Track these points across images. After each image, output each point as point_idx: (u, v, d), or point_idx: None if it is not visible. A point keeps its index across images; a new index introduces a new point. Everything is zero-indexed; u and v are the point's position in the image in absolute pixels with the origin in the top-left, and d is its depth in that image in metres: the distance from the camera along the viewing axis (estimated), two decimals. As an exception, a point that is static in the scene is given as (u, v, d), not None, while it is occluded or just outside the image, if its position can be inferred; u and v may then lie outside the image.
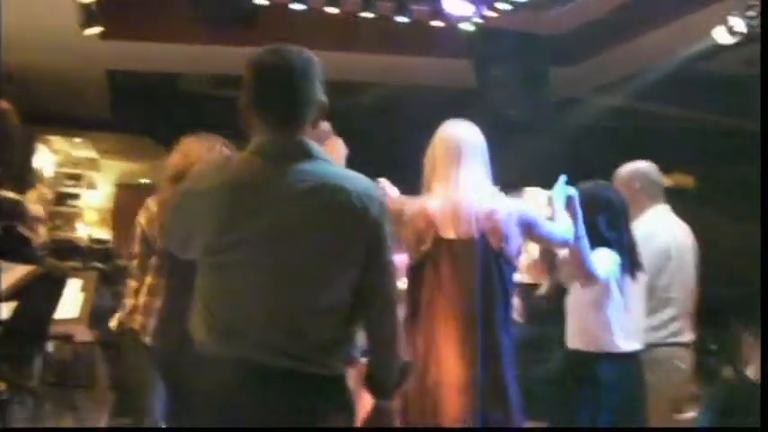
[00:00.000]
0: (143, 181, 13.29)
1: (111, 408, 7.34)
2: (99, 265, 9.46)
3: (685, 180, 12.35)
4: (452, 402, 3.87)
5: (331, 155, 3.19)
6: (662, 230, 5.46)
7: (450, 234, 3.95)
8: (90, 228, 13.59)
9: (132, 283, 5.03)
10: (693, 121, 12.09)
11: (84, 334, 7.28)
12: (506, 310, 4.03)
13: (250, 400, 2.83)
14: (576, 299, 4.43)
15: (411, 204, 4.03)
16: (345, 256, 2.91)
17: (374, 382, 3.05)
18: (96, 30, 8.37)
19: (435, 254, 3.96)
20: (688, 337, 5.73)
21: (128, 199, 13.30)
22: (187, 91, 12.01)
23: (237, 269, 2.89)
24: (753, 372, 6.25)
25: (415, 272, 4.05)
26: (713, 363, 8.91)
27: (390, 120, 11.75)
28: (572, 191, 4.43)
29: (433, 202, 4.04)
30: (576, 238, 4.28)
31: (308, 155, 2.95)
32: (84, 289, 7.19)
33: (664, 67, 9.43)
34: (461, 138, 4.21)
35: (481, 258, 3.94)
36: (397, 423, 3.26)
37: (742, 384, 6.27)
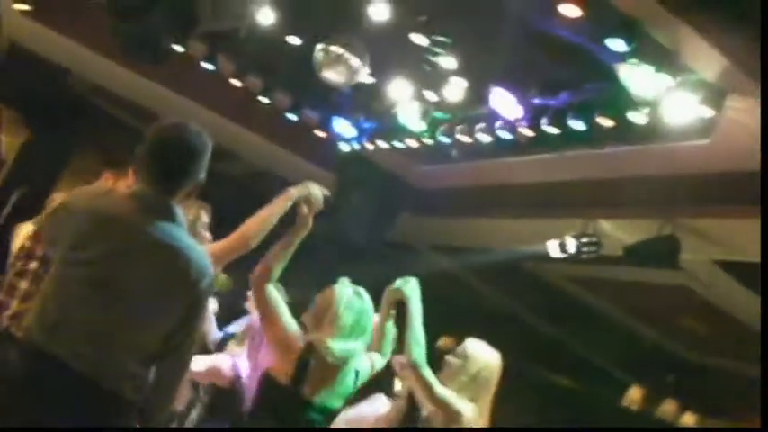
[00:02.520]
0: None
1: None
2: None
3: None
4: None
5: None
6: None
7: None
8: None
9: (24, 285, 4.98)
10: (505, 308, 12.81)
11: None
12: None
13: (47, 392, 3.23)
14: None
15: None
16: (166, 310, 3.34)
17: (145, 417, 3.44)
18: (24, 7, 8.58)
19: None
20: None
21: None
22: (71, 87, 12.19)
23: (77, 284, 3.30)
24: None
25: None
26: None
27: (246, 198, 12.14)
28: None
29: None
30: None
31: (172, 217, 3.39)
32: None
33: (500, 253, 10.09)
34: None
35: None
36: None
37: None
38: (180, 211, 3.44)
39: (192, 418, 5.90)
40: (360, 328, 4.48)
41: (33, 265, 5.09)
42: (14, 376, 3.30)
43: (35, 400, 3.22)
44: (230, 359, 5.80)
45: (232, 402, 5.44)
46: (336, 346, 4.38)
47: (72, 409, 3.23)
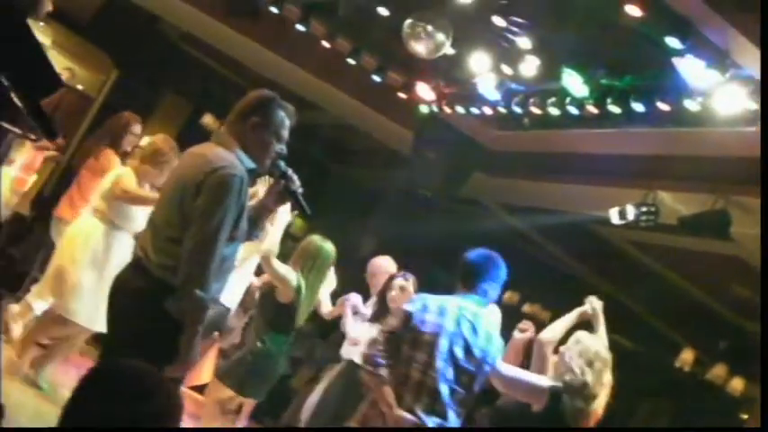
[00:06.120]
0: (80, 87, 13.83)
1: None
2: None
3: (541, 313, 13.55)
4: None
5: None
6: None
7: None
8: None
9: None
10: (567, 266, 13.28)
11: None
12: None
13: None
14: None
15: None
16: (179, 199, 4.19)
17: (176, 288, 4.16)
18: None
19: None
20: None
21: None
22: (159, 30, 12.84)
23: None
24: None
25: None
26: None
27: (325, 147, 12.81)
28: None
29: None
30: None
31: (220, 141, 4.33)
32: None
33: (564, 215, 10.68)
34: None
35: None
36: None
37: None
38: (228, 138, 4.31)
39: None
40: None
41: None
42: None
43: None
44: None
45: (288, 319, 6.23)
46: None
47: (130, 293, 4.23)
